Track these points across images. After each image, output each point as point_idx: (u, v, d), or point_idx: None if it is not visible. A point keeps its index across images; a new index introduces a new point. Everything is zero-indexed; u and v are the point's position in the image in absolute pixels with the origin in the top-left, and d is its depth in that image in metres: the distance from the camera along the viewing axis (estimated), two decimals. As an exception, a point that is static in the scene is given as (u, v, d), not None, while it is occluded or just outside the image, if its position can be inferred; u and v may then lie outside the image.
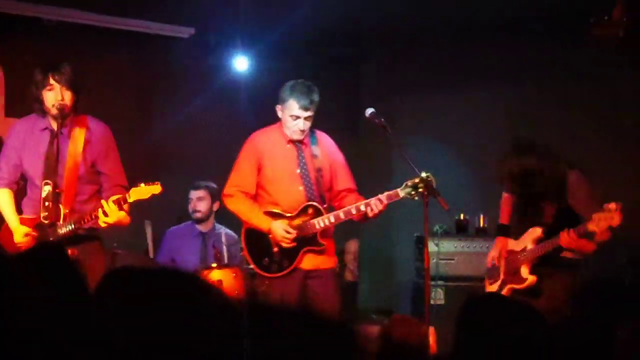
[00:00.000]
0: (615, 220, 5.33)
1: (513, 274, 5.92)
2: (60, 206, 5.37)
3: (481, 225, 7.77)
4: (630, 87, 7.58)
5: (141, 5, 7.49)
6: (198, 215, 7.52)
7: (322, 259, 5.83)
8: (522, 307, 2.64)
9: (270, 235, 5.77)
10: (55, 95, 5.40)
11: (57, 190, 5.37)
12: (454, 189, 6.83)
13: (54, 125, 5.47)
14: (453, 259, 7.43)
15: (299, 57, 8.62)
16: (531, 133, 6.44)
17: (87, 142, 5.53)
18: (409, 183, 5.46)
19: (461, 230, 7.74)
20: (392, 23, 7.94)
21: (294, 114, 5.76)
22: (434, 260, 7.12)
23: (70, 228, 5.34)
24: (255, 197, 5.89)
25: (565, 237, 5.54)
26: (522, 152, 5.79)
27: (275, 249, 5.77)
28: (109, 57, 7.81)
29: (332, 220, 5.71)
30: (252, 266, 5.92)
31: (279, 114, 5.88)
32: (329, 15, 7.63)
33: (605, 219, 5.34)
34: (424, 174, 5.44)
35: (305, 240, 5.75)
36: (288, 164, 5.84)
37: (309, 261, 5.79)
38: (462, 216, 7.74)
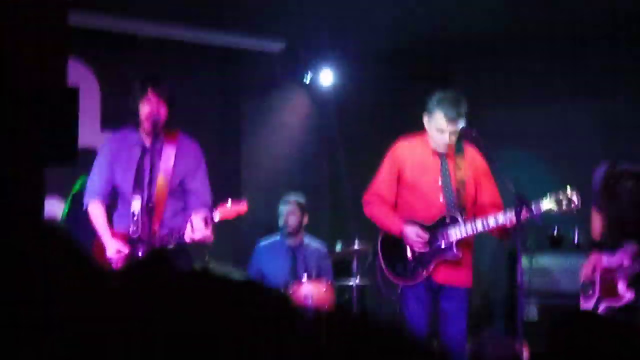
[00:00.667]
0: None
1: (609, 291, 5.78)
2: (152, 221, 5.42)
3: (576, 240, 7.60)
4: None
5: (231, 19, 7.56)
6: (290, 229, 7.52)
7: (457, 274, 5.66)
8: (617, 326, 2.55)
9: (404, 243, 5.65)
10: (151, 108, 5.46)
11: (149, 205, 5.43)
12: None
13: (146, 140, 5.54)
14: (547, 275, 7.30)
15: (387, 69, 8.60)
16: (623, 146, 6.30)
17: (177, 158, 5.56)
18: (553, 196, 5.33)
19: (555, 245, 7.59)
20: (478, 35, 7.87)
21: (440, 127, 5.60)
22: (528, 277, 6.98)
23: (161, 243, 5.38)
24: (395, 206, 5.79)
25: None
26: (622, 175, 5.67)
27: (410, 256, 5.66)
28: (201, 73, 7.91)
29: (469, 230, 5.54)
30: (385, 272, 5.76)
31: (425, 124, 5.70)
32: (419, 26, 7.60)
33: None
34: (569, 189, 5.33)
35: (441, 251, 5.61)
36: (430, 175, 5.70)
37: (443, 274, 5.63)
38: (556, 231, 7.59)
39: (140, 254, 5.38)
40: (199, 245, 5.45)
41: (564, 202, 5.30)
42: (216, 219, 5.28)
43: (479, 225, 5.50)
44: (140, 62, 7.35)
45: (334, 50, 8.28)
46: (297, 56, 8.39)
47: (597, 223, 6.09)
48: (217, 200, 5.64)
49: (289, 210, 7.53)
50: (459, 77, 9.06)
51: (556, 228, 7.60)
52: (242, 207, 5.31)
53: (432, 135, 5.66)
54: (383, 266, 5.77)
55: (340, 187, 8.60)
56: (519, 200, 5.27)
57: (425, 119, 5.67)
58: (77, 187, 6.31)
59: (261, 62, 8.20)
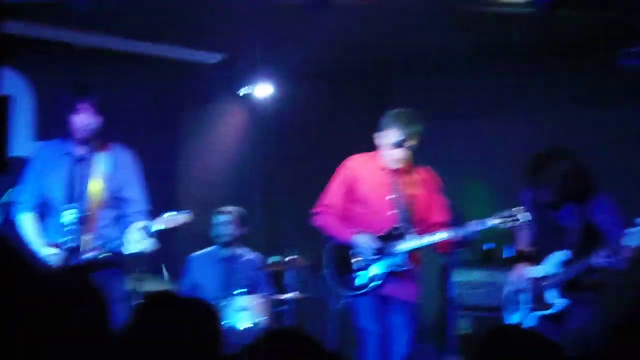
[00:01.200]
0: None
1: (539, 301, 5.87)
2: (84, 232, 5.36)
3: (507, 255, 7.70)
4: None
5: (171, 32, 7.54)
6: (225, 239, 7.50)
7: (404, 288, 5.77)
8: (541, 340, 2.61)
9: (353, 253, 5.75)
10: (83, 119, 5.41)
11: (80, 216, 5.36)
12: (481, 217, 6.79)
13: (79, 150, 5.48)
14: (479, 289, 7.38)
15: (323, 83, 8.65)
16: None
17: (111, 168, 5.51)
18: (499, 214, 5.49)
19: (488, 259, 7.68)
20: (420, 50, 7.95)
21: (394, 143, 5.71)
22: (460, 290, 7.05)
23: (94, 254, 5.33)
24: (346, 219, 5.87)
25: (599, 256, 5.51)
26: (561, 156, 5.79)
27: (358, 267, 5.74)
28: (137, 83, 7.86)
29: (417, 242, 5.67)
30: (332, 282, 5.84)
31: (379, 140, 5.81)
32: (357, 41, 7.66)
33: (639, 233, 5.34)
34: (515, 210, 5.50)
35: (390, 261, 5.71)
36: (382, 190, 5.81)
37: (391, 287, 5.72)
38: (489, 246, 7.68)
39: (73, 264, 5.32)
40: (136, 256, 5.41)
41: (510, 220, 5.48)
42: (156, 228, 5.25)
43: (428, 239, 5.65)
44: (76, 72, 7.27)
45: (271, 63, 8.29)
46: (234, 69, 8.38)
47: (522, 237, 6.19)
48: (156, 210, 5.60)
49: (225, 220, 7.51)
50: (395, 93, 9.14)
51: (486, 243, 7.70)
52: (185, 217, 5.30)
53: (385, 151, 5.77)
54: (331, 277, 5.85)
55: (276, 200, 8.60)
56: (454, 217, 5.42)
57: (379, 136, 5.80)
58: (6, 197, 6.21)
59: (198, 74, 8.18)
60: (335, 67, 8.40)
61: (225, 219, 7.52)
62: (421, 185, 5.86)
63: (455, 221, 5.48)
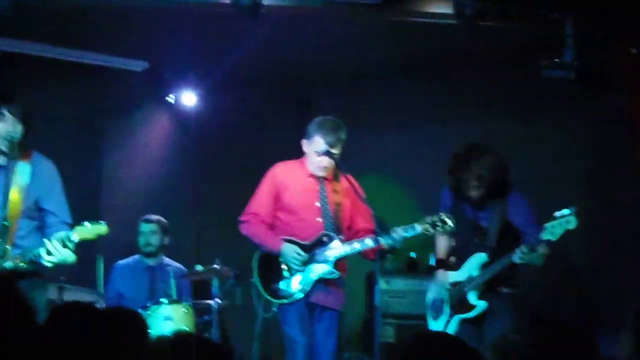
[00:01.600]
0: (572, 223, 5.44)
1: (461, 304, 5.95)
2: (7, 245, 5.25)
3: (432, 263, 7.78)
4: (579, 122, 7.69)
5: (95, 39, 7.46)
6: (150, 248, 7.46)
7: (331, 295, 5.80)
8: (462, 346, 2.64)
9: (280, 262, 5.76)
10: (6, 126, 5.31)
11: (1, 224, 5.26)
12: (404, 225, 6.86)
13: (0, 159, 5.38)
14: (404, 297, 7.43)
15: (249, 93, 8.65)
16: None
17: (32, 177, 5.42)
18: (428, 219, 5.54)
19: (412, 268, 7.75)
20: (344, 61, 8.00)
21: (320, 151, 5.75)
22: (385, 298, 7.10)
23: (13, 264, 5.23)
24: (273, 227, 5.89)
25: (519, 254, 5.61)
26: (486, 150, 5.93)
27: (286, 275, 5.75)
28: (61, 89, 7.76)
29: (347, 249, 5.71)
30: (261, 291, 5.81)
31: (304, 148, 5.85)
32: (282, 52, 7.68)
33: (560, 225, 5.45)
34: (442, 214, 5.58)
35: (317, 270, 5.73)
36: (308, 196, 5.85)
37: (318, 294, 5.75)
38: (413, 254, 7.76)
39: None
40: (57, 266, 5.33)
41: (439, 225, 5.56)
42: (74, 239, 5.17)
43: (355, 245, 5.69)
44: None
45: (196, 71, 8.26)
46: (159, 76, 8.32)
47: (441, 244, 6.28)
48: (76, 220, 5.53)
49: (151, 230, 7.46)
50: (321, 102, 9.18)
51: (411, 252, 7.77)
52: (102, 228, 5.22)
53: (310, 159, 5.82)
54: (259, 285, 5.84)
55: (201, 209, 8.56)
56: (379, 225, 5.46)
57: (305, 143, 5.85)
58: None
59: (123, 81, 8.10)
60: (261, 76, 8.40)
61: (150, 228, 7.47)
62: (346, 193, 5.90)
63: (381, 228, 5.51)
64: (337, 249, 5.73)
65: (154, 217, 7.52)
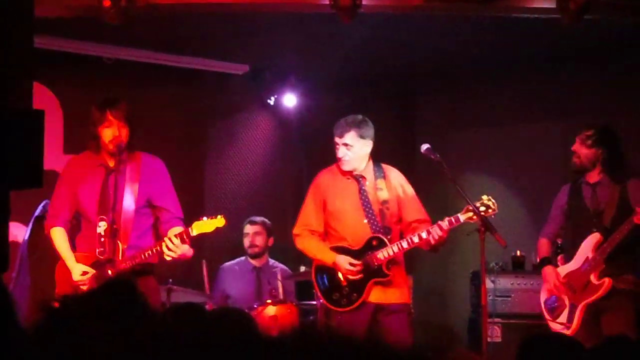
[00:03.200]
0: None
1: (583, 290, 5.89)
2: (118, 242, 5.41)
3: (537, 261, 7.66)
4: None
5: (196, 43, 7.57)
6: (255, 250, 7.52)
7: (392, 292, 5.83)
8: (579, 348, 2.57)
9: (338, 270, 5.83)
10: (112, 131, 5.47)
11: (114, 226, 5.41)
12: (509, 224, 6.78)
13: (109, 162, 5.54)
14: (510, 296, 7.33)
15: (352, 93, 8.64)
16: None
17: (142, 178, 5.59)
18: (470, 207, 5.49)
19: (517, 266, 7.64)
20: (446, 59, 7.93)
21: (334, 142, 5.90)
22: (491, 297, 7.01)
23: (130, 264, 5.38)
24: (325, 235, 5.98)
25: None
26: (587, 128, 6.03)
27: (344, 283, 5.82)
28: (164, 94, 7.89)
29: (395, 250, 5.73)
30: (322, 301, 5.94)
31: (337, 152, 5.96)
32: (382, 51, 7.65)
33: None
34: (484, 197, 5.54)
35: (372, 272, 5.77)
36: (349, 198, 5.91)
37: (378, 294, 5.80)
38: (518, 252, 7.64)
39: (109, 274, 5.37)
40: (170, 264, 5.48)
41: (482, 210, 5.52)
42: (193, 233, 5.32)
43: (404, 244, 5.72)
44: (103, 85, 7.32)
45: (297, 73, 8.29)
46: (260, 79, 8.39)
47: (543, 245, 6.27)
48: (186, 221, 5.65)
49: (255, 231, 7.53)
50: (424, 99, 9.14)
51: (517, 250, 7.66)
52: (220, 221, 5.36)
53: (344, 160, 5.93)
54: (320, 296, 5.94)
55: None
56: (482, 221, 5.43)
57: (337, 145, 5.96)
58: (39, 210, 6.27)
59: (225, 85, 8.20)
60: (362, 75, 8.40)
61: (255, 229, 7.54)
62: (392, 189, 5.94)
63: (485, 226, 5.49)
64: (386, 250, 5.75)
65: (258, 218, 7.59)
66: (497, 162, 8.45)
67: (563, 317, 5.94)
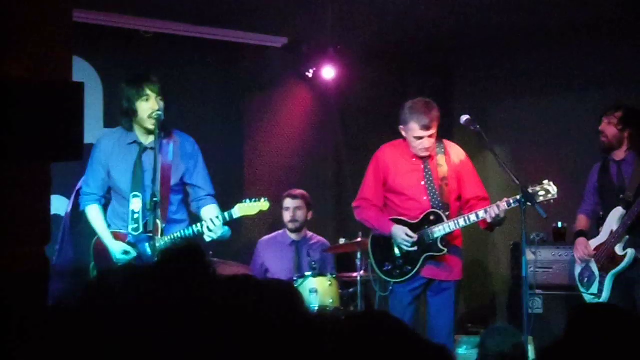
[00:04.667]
0: None
1: (610, 260, 6.13)
2: (158, 220, 5.41)
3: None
4: None
5: (234, 16, 7.55)
6: (296, 224, 7.52)
7: (443, 268, 5.93)
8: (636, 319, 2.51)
9: (392, 243, 5.92)
10: (152, 105, 5.47)
11: (153, 202, 5.41)
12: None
13: (143, 139, 5.55)
14: (551, 268, 7.29)
15: (389, 64, 8.60)
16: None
17: (175, 155, 5.60)
18: (529, 190, 5.50)
19: (559, 238, 7.58)
20: (483, 29, 7.86)
21: (416, 135, 5.82)
22: (532, 269, 6.97)
23: (170, 241, 5.40)
24: (385, 207, 6.05)
25: None
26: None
27: (398, 255, 5.90)
28: (202, 68, 7.90)
29: (452, 227, 5.82)
30: (377, 271, 6.04)
31: (403, 134, 5.95)
32: (418, 22, 7.60)
33: None
34: (545, 181, 5.63)
35: (427, 247, 5.87)
36: (413, 177, 5.97)
37: (430, 270, 5.91)
38: (559, 224, 7.58)
39: (148, 251, 5.39)
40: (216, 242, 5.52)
41: (541, 194, 5.58)
42: (236, 215, 5.35)
43: (461, 222, 5.80)
44: (142, 58, 7.34)
45: (335, 45, 8.26)
46: (298, 51, 8.36)
47: (582, 220, 6.55)
48: (221, 197, 5.67)
49: (296, 205, 7.52)
50: (462, 70, 9.07)
51: (559, 222, 7.60)
52: (264, 204, 5.40)
53: (411, 143, 5.90)
54: (374, 265, 6.04)
55: (344, 183, 8.59)
56: (523, 192, 5.43)
57: (402, 129, 5.93)
58: (81, 183, 6.31)
59: (263, 58, 8.18)
60: (400, 46, 8.35)
61: (295, 203, 7.53)
62: (452, 165, 5.97)
63: (526, 197, 5.48)
64: (443, 226, 5.81)
65: (298, 191, 7.58)
66: (537, 133, 8.39)
67: (594, 288, 6.09)
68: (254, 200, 5.46)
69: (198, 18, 7.56)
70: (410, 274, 5.86)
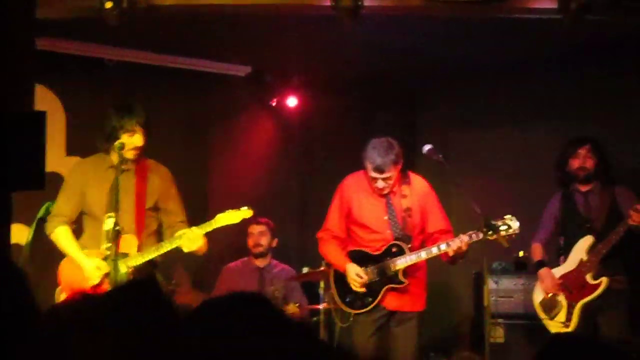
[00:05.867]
0: None
1: (580, 289, 6.16)
2: (131, 239, 5.48)
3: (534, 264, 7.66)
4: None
5: (198, 45, 7.57)
6: (260, 249, 7.53)
7: (406, 299, 5.91)
8: (608, 349, 2.50)
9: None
10: (135, 139, 5.53)
11: (127, 222, 5.45)
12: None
13: (123, 164, 5.59)
14: (512, 297, 7.33)
15: (353, 94, 8.65)
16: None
17: (150, 181, 5.69)
18: (492, 223, 5.52)
19: (520, 267, 7.63)
20: (447, 58, 7.93)
21: (371, 176, 5.82)
22: (494, 298, 7.01)
23: (145, 259, 5.44)
24: (349, 237, 6.06)
25: (636, 215, 5.85)
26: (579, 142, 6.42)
27: (357, 289, 5.88)
28: (166, 96, 7.89)
29: (414, 259, 5.80)
30: (338, 302, 6.02)
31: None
32: (384, 51, 7.65)
33: None
34: (507, 216, 5.64)
35: (388, 279, 5.84)
36: (376, 211, 5.95)
37: (392, 301, 5.89)
38: (520, 253, 7.63)
39: (121, 269, 5.40)
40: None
41: (502, 229, 5.61)
42: (216, 225, 5.41)
43: (423, 254, 5.78)
44: (105, 86, 7.32)
45: (299, 75, 8.30)
46: (262, 80, 8.39)
47: (537, 247, 6.59)
48: (190, 224, 5.69)
49: (260, 231, 7.54)
50: (425, 100, 9.13)
51: (520, 251, 7.65)
52: (247, 212, 5.47)
53: (371, 180, 5.86)
54: (335, 296, 6.02)
55: (307, 211, 8.61)
56: (485, 223, 5.46)
57: (364, 165, 5.88)
58: (41, 212, 6.27)
59: (227, 86, 8.19)
60: (364, 76, 8.39)
61: (259, 229, 7.55)
62: (416, 198, 5.95)
63: (488, 226, 5.52)
64: (404, 259, 5.80)
65: (263, 218, 7.59)
66: (498, 164, 8.44)
67: (561, 316, 6.16)
68: (235, 210, 5.56)
69: (162, 46, 7.57)
70: (371, 305, 5.84)
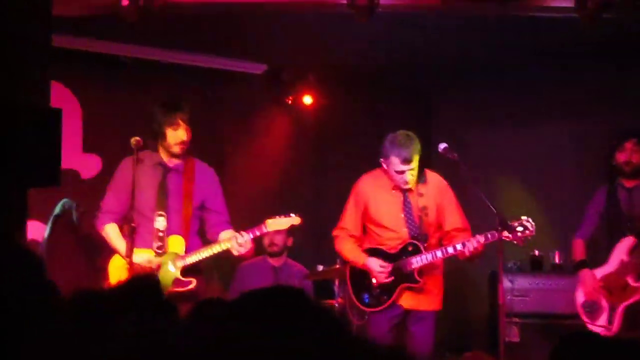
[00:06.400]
0: None
1: (622, 292, 5.98)
2: (179, 239, 5.58)
3: (556, 261, 7.63)
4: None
5: (214, 43, 7.58)
6: (275, 249, 7.53)
7: (422, 298, 5.91)
8: (622, 346, 2.48)
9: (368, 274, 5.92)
10: (180, 134, 5.58)
11: (172, 223, 5.56)
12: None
13: (167, 161, 5.64)
14: (528, 296, 7.31)
15: (369, 92, 8.64)
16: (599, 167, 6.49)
17: (197, 181, 5.77)
18: (508, 224, 5.53)
19: (535, 266, 7.61)
20: (463, 56, 7.91)
21: (397, 169, 5.80)
22: (509, 297, 6.99)
23: (196, 259, 5.49)
24: (365, 235, 6.06)
25: None
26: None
27: (375, 285, 5.90)
28: (181, 94, 7.89)
29: (430, 258, 5.80)
30: (353, 300, 6.02)
31: (384, 166, 5.92)
32: (399, 48, 7.64)
33: None
34: (524, 217, 5.57)
35: (403, 277, 5.84)
36: (393, 209, 5.94)
37: (408, 299, 5.89)
38: (536, 252, 7.61)
39: (172, 268, 5.52)
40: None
41: (519, 230, 5.54)
42: (266, 230, 5.65)
43: (439, 254, 5.78)
44: (122, 84, 7.34)
45: (315, 73, 8.29)
46: (278, 78, 8.39)
47: (578, 244, 6.29)
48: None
49: (275, 230, 7.52)
50: (440, 97, 9.11)
51: (535, 250, 7.63)
52: (296, 219, 5.51)
53: (393, 177, 5.87)
54: (351, 294, 6.02)
55: (322, 209, 8.60)
56: (500, 222, 5.42)
57: (383, 162, 5.89)
58: (58, 209, 6.29)
59: (243, 84, 8.20)
60: (379, 74, 8.39)
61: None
62: (432, 196, 5.94)
63: (503, 226, 5.49)
64: (420, 258, 5.80)
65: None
66: (515, 161, 8.42)
67: (603, 320, 6.01)
68: (284, 216, 5.63)
69: (178, 44, 7.58)
70: (386, 304, 5.85)
